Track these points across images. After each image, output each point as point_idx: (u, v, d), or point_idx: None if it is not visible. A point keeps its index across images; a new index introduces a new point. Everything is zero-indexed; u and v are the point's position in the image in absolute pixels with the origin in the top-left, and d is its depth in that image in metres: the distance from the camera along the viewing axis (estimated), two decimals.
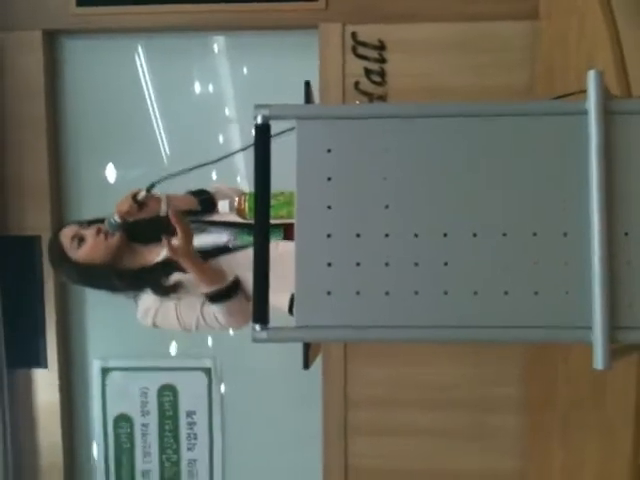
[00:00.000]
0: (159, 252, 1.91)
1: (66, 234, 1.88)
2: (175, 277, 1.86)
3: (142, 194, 1.83)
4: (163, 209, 1.87)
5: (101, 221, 1.89)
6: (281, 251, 1.70)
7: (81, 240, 1.86)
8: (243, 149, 1.59)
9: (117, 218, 1.84)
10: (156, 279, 1.86)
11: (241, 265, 1.83)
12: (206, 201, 1.97)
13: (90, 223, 1.90)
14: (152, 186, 1.83)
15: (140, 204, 1.84)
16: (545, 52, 2.69)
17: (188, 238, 1.74)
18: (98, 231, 1.85)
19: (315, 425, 2.99)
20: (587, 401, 2.19)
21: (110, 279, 1.89)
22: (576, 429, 2.33)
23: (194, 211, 1.96)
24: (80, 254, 1.86)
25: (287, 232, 1.84)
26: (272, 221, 1.26)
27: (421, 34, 2.85)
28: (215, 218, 1.95)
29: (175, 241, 1.73)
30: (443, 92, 2.80)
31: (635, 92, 1.89)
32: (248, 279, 1.71)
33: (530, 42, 2.80)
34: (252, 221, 1.27)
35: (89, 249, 1.86)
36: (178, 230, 1.72)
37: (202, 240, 1.91)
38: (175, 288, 1.86)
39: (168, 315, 1.88)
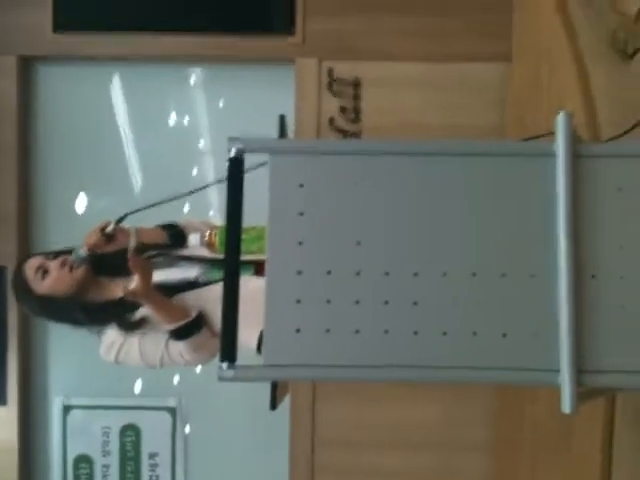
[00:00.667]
0: (125, 286, 1.88)
1: (30, 265, 1.83)
2: (141, 312, 1.82)
3: (111, 227, 1.81)
4: (132, 243, 1.85)
5: (68, 252, 1.85)
6: (251, 288, 1.67)
7: (45, 272, 1.81)
8: (215, 182, 1.58)
9: (84, 251, 1.80)
10: (121, 314, 1.82)
11: (210, 300, 1.80)
12: (176, 235, 1.95)
13: (57, 255, 1.86)
14: (121, 219, 1.81)
15: (108, 237, 1.81)
16: (516, 94, 2.75)
17: (146, 281, 1.70)
18: (63, 263, 1.81)
19: (282, 467, 2.93)
20: (554, 443, 2.19)
21: (73, 312, 1.84)
22: (543, 471, 2.31)
23: (163, 245, 1.94)
24: (44, 286, 1.81)
25: (258, 269, 1.82)
26: (243, 257, 1.24)
27: (397, 72, 2.90)
28: (185, 252, 1.93)
29: (132, 284, 1.70)
30: (417, 130, 2.84)
31: (604, 136, 1.93)
32: (216, 314, 1.68)
33: (502, 83, 2.86)
34: (222, 256, 1.26)
35: (53, 281, 1.81)
36: (136, 274, 1.69)
37: (171, 274, 1.88)
38: (140, 323, 1.82)
39: (131, 352, 1.84)
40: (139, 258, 1.71)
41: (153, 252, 1.92)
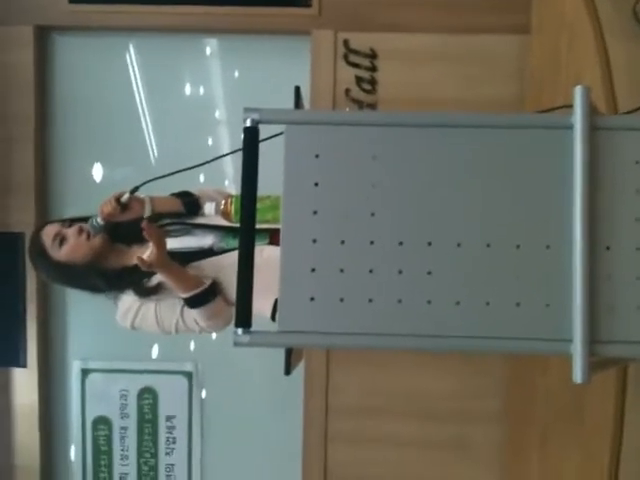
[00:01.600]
0: (142, 253, 1.90)
1: (47, 233, 1.85)
2: (157, 278, 1.85)
3: (125, 196, 1.82)
4: (147, 211, 1.87)
5: (84, 220, 1.88)
6: (266, 256, 1.69)
7: (63, 240, 1.84)
8: (231, 152, 1.59)
9: (100, 220, 1.82)
10: (138, 280, 1.85)
11: (225, 268, 1.82)
12: (191, 204, 1.97)
13: (72, 221, 1.88)
14: (136, 189, 1.82)
15: (123, 206, 1.83)
16: (535, 66, 2.72)
17: (160, 250, 1.71)
18: (80, 231, 1.83)
19: (296, 432, 2.98)
20: (565, 414, 2.21)
21: (91, 279, 1.87)
22: (554, 442, 2.34)
23: (178, 213, 1.96)
24: (62, 254, 1.84)
25: (273, 237, 1.84)
26: (258, 226, 1.26)
27: (413, 44, 2.87)
28: (200, 221, 1.95)
29: (147, 254, 1.71)
30: (432, 102, 2.82)
31: (622, 110, 1.91)
32: (231, 282, 1.70)
33: (520, 56, 2.82)
34: (238, 224, 1.27)
35: (71, 249, 1.83)
36: (151, 243, 1.70)
37: (186, 242, 1.90)
38: (157, 289, 1.84)
39: (147, 317, 1.87)
40: (153, 227, 1.72)
41: (168, 220, 1.94)
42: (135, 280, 1.85)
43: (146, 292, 1.85)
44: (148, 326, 1.88)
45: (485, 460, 2.92)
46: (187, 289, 1.79)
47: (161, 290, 1.84)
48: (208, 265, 1.86)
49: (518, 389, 2.74)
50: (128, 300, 1.87)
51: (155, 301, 1.86)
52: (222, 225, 1.90)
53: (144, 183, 1.80)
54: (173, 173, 1.75)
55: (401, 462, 2.95)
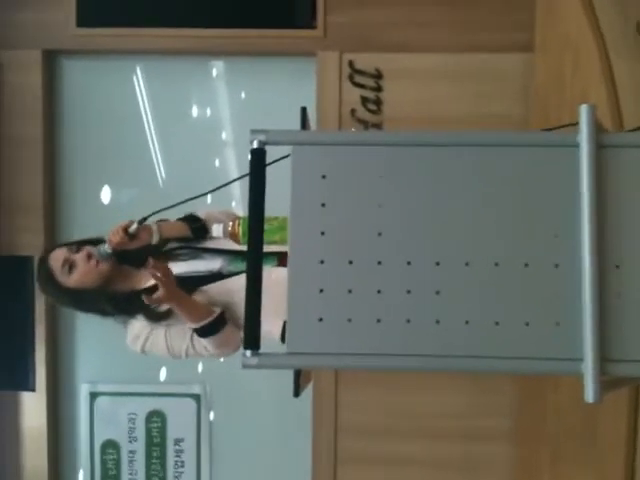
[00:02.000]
0: (149, 278, 1.90)
1: (56, 258, 1.85)
2: (166, 305, 1.85)
3: (133, 227, 1.80)
4: (155, 239, 1.87)
5: (90, 242, 1.88)
6: (274, 278, 1.69)
7: (72, 266, 1.83)
8: (241, 177, 1.56)
9: (108, 248, 1.81)
10: (147, 305, 1.85)
11: (234, 292, 1.81)
12: (198, 229, 1.95)
13: (79, 245, 1.88)
14: (144, 219, 1.81)
15: (131, 236, 1.82)
16: (540, 85, 2.72)
17: (168, 287, 1.69)
18: (89, 257, 1.82)
19: (305, 453, 2.96)
20: (577, 433, 2.18)
21: (100, 304, 1.87)
22: (566, 461, 2.31)
23: (186, 238, 1.95)
24: (71, 280, 1.84)
25: (281, 260, 1.84)
26: (266, 249, 1.26)
27: (418, 64, 2.89)
28: (208, 245, 1.95)
29: (157, 294, 1.71)
30: (438, 121, 2.83)
31: (628, 126, 1.91)
32: (240, 306, 1.70)
33: (525, 74, 2.83)
34: (246, 248, 1.27)
35: (80, 275, 1.83)
36: (159, 284, 1.69)
37: (194, 266, 1.90)
38: (167, 315, 1.84)
39: (158, 342, 1.87)
40: (159, 264, 1.71)
41: (176, 245, 1.94)
42: (144, 305, 1.85)
43: (157, 317, 1.85)
44: (158, 350, 1.88)
45: (495, 479, 2.88)
46: (197, 319, 1.79)
47: (171, 315, 1.84)
48: (217, 289, 1.86)
49: (528, 407, 2.71)
50: (137, 325, 1.87)
51: (165, 327, 1.86)
52: (230, 249, 1.90)
53: (153, 214, 1.80)
54: (183, 202, 1.75)
55: None
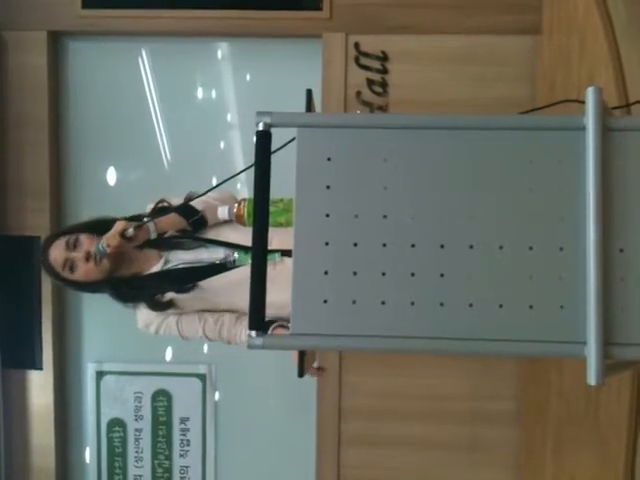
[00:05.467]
0: (153, 260, 1.92)
1: (55, 259, 1.84)
2: (169, 296, 1.88)
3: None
4: (152, 236, 1.86)
5: (88, 227, 1.88)
6: (278, 269, 1.72)
7: (72, 266, 1.83)
8: (246, 169, 1.54)
9: (105, 246, 1.78)
10: (150, 295, 1.87)
11: (238, 283, 1.83)
12: (196, 222, 1.92)
13: (76, 233, 1.86)
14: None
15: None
16: (546, 67, 2.70)
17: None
18: (87, 257, 1.81)
19: (309, 434, 2.99)
20: (580, 416, 2.20)
21: (105, 292, 1.90)
22: (568, 443, 2.33)
23: (185, 230, 1.94)
24: (74, 277, 1.85)
25: (284, 255, 1.84)
26: (270, 247, 1.26)
27: (424, 46, 2.87)
28: (211, 236, 1.94)
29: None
30: (444, 104, 2.82)
31: (635, 112, 1.90)
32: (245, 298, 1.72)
33: (531, 57, 2.81)
34: (248, 244, 1.28)
35: (82, 275, 1.84)
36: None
37: (199, 255, 1.91)
38: (170, 304, 1.87)
39: (170, 331, 1.93)
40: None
41: (176, 233, 1.94)
42: (147, 295, 1.87)
43: (160, 306, 1.87)
44: (171, 334, 1.94)
45: (499, 461, 2.91)
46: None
47: (175, 305, 1.87)
48: (221, 281, 1.87)
49: (532, 390, 2.73)
50: (146, 312, 1.91)
51: (177, 315, 1.89)
52: (232, 242, 1.90)
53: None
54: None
55: (414, 464, 2.94)
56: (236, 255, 1.88)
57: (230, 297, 1.88)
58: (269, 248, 1.24)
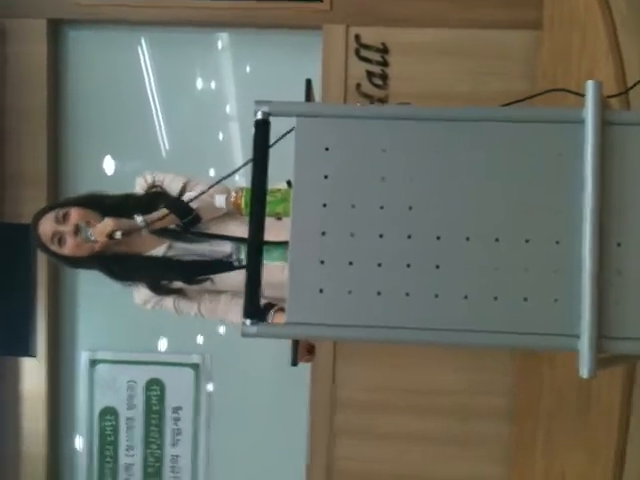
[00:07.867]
0: (155, 242, 1.91)
1: (44, 232, 1.82)
2: (178, 285, 1.88)
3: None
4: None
5: (75, 201, 1.86)
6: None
7: (61, 239, 1.81)
8: (244, 165, 1.53)
9: (94, 237, 1.76)
10: (154, 280, 1.87)
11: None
12: (189, 221, 1.85)
13: (64, 206, 1.84)
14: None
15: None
16: (546, 63, 2.70)
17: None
18: (76, 230, 1.78)
19: (301, 425, 2.99)
20: (571, 410, 2.20)
21: (99, 269, 1.88)
22: (559, 437, 2.34)
23: (179, 225, 1.89)
24: (64, 251, 1.83)
25: None
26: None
27: (424, 39, 2.86)
28: (215, 229, 1.92)
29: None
30: (444, 97, 2.81)
31: (634, 106, 1.91)
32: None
33: (532, 51, 2.81)
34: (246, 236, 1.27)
35: (71, 249, 1.81)
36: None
37: (199, 248, 1.90)
38: (175, 292, 1.87)
39: (167, 306, 1.93)
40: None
41: (176, 228, 1.91)
42: (152, 279, 1.86)
43: (164, 292, 1.87)
44: (168, 311, 1.94)
45: (491, 455, 2.92)
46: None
47: (181, 294, 1.87)
48: (235, 280, 1.86)
49: (524, 385, 2.73)
50: (144, 291, 1.90)
51: (173, 297, 1.90)
52: (233, 236, 1.90)
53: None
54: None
55: (406, 457, 2.95)
56: (242, 256, 1.88)
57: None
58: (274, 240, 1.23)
